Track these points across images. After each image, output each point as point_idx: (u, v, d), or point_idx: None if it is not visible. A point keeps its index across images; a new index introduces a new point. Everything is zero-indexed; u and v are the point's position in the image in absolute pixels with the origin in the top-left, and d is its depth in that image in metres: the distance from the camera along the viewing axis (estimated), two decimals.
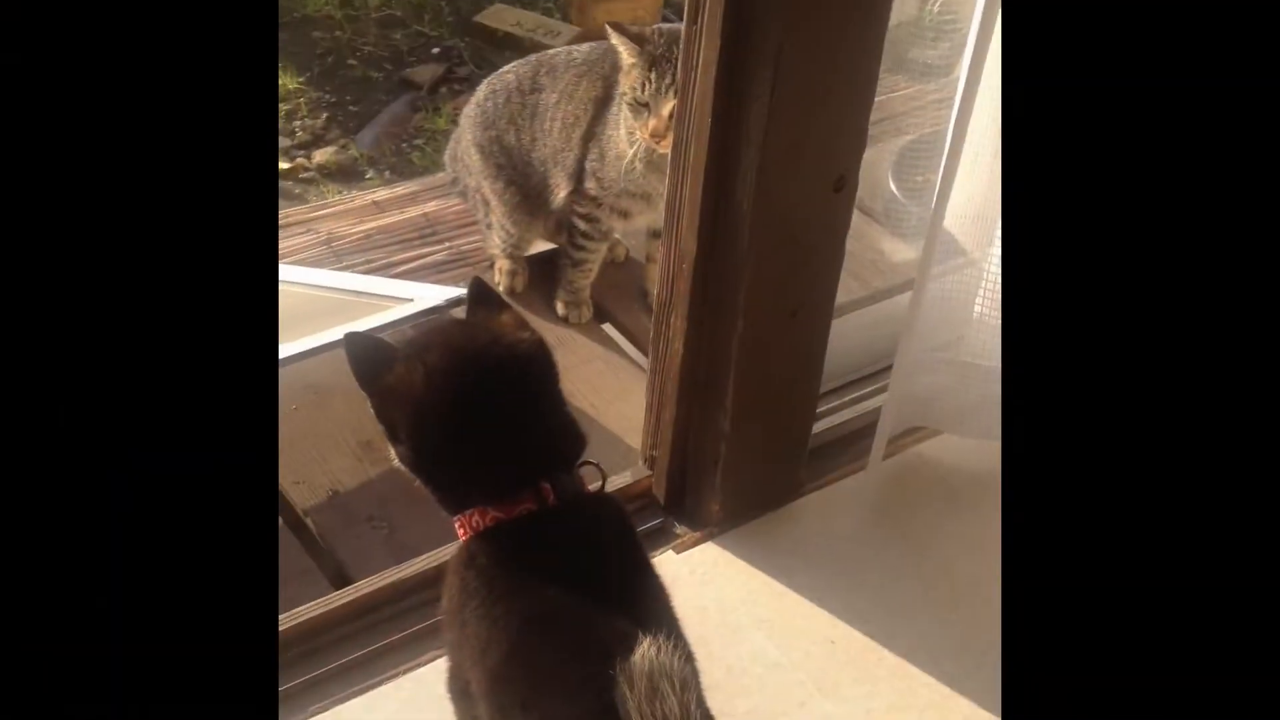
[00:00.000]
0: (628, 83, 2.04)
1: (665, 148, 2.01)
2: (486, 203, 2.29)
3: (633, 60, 2.03)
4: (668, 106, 1.98)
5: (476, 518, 1.23)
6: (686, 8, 1.53)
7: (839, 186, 1.62)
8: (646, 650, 1.07)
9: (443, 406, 1.20)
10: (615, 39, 2.03)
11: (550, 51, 2.27)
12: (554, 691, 1.15)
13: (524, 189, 2.23)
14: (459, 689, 1.28)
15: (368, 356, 1.22)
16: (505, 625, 1.19)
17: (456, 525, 1.25)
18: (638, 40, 2.01)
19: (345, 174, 3.45)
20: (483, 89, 2.27)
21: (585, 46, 2.23)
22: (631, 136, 2.07)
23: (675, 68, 1.96)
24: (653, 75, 1.99)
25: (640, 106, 2.02)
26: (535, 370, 1.25)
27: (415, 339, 1.28)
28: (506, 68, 2.27)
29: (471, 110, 2.28)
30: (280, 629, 1.62)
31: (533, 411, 1.24)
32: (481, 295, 1.31)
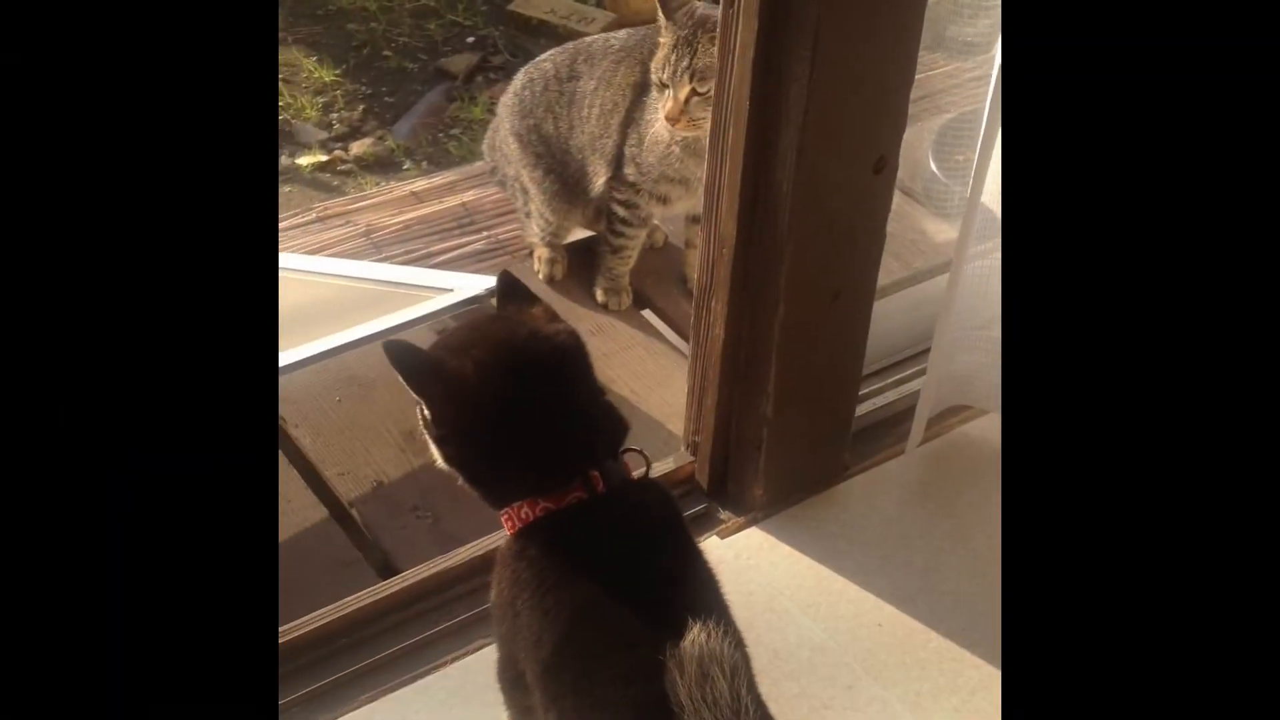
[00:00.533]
0: (655, 63, 2.04)
1: (680, 130, 2.01)
2: (525, 191, 2.29)
3: (663, 39, 2.03)
4: (684, 90, 1.99)
5: (526, 509, 1.23)
6: None
7: (879, 168, 1.61)
8: (696, 636, 1.07)
9: (498, 401, 1.20)
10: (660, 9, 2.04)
11: (588, 39, 2.27)
12: (606, 679, 1.15)
13: (562, 177, 2.23)
14: (511, 678, 1.29)
15: (413, 361, 1.22)
16: (557, 616, 1.19)
17: (503, 519, 1.25)
18: (665, 9, 2.01)
19: (383, 165, 3.46)
20: (520, 78, 2.27)
21: (623, 33, 2.23)
22: None
23: (694, 52, 1.96)
24: (673, 57, 1.99)
25: (663, 87, 2.03)
26: (574, 360, 1.25)
27: (453, 338, 1.28)
28: (543, 56, 2.27)
29: (509, 99, 2.28)
30: (328, 620, 1.64)
31: (577, 401, 1.24)
32: (510, 289, 1.31)
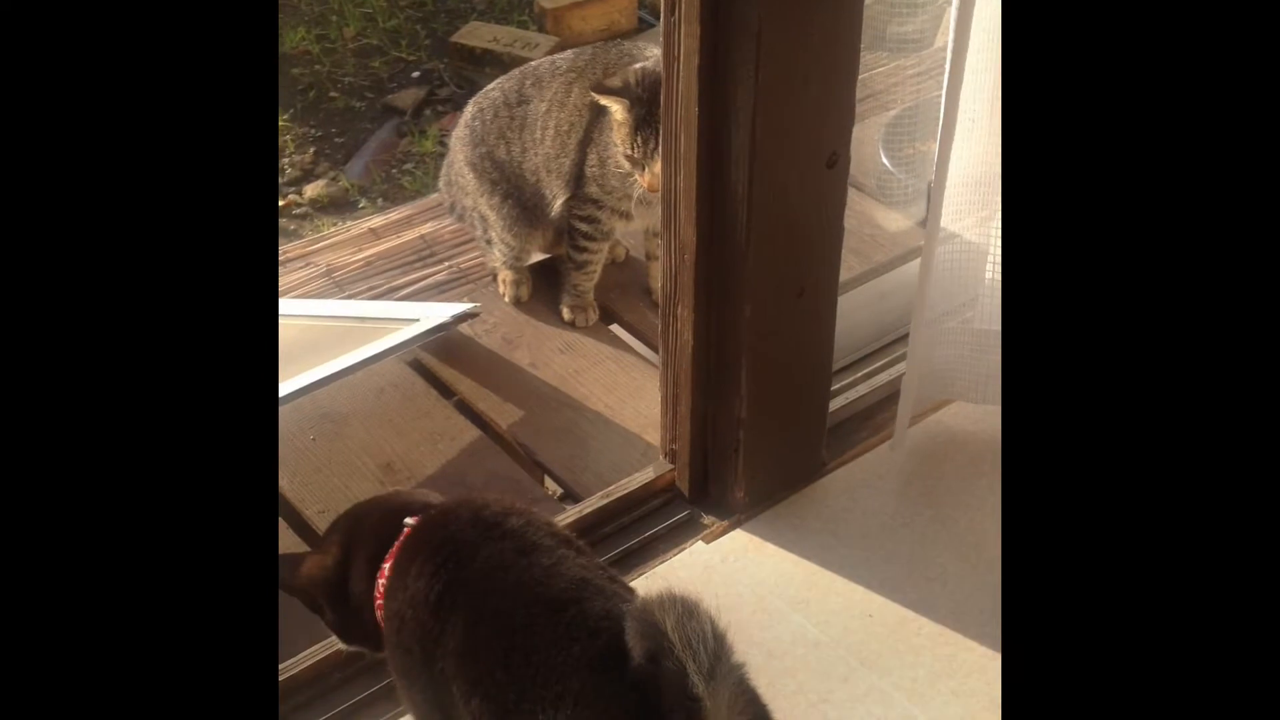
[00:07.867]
0: (617, 136, 2.05)
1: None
2: (484, 219, 2.29)
3: (620, 119, 2.03)
4: (658, 164, 2.00)
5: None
6: (663, 1, 1.53)
7: (832, 163, 1.63)
8: (649, 591, 1.11)
9: None
10: (603, 100, 2.04)
11: (532, 64, 2.28)
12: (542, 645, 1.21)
13: (520, 201, 2.24)
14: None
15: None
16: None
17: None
18: (622, 94, 2.02)
19: (338, 206, 3.45)
20: (469, 109, 2.28)
21: (569, 54, 2.23)
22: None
23: (658, 129, 1.97)
24: (639, 138, 2.01)
25: (634, 161, 2.04)
26: None
27: None
28: (491, 85, 2.28)
29: (460, 131, 2.29)
30: (321, 656, 1.64)
31: None
32: None
